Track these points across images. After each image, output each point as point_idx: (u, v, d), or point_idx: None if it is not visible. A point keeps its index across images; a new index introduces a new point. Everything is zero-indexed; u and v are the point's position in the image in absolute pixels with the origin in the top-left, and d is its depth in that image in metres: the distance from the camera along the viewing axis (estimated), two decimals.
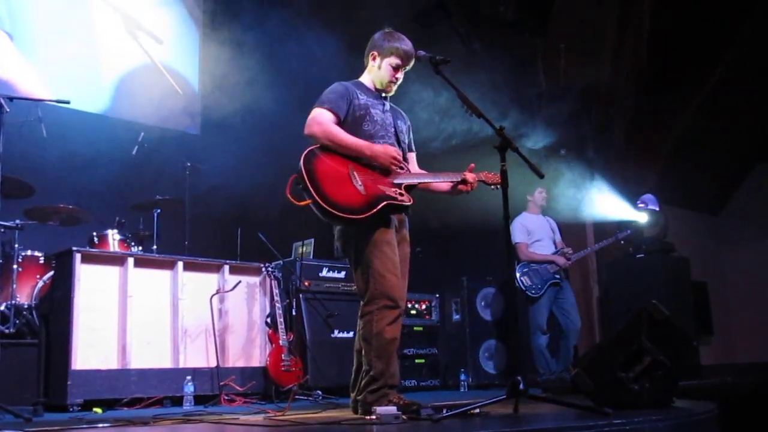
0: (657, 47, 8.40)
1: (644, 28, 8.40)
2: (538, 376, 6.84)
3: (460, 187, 4.01)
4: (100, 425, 3.72)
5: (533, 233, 7.21)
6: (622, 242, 7.57)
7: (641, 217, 7.81)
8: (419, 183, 3.98)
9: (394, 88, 4.06)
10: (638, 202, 7.89)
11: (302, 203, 3.64)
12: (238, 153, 7.49)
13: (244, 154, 7.45)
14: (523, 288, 7.00)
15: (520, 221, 7.24)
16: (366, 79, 4.09)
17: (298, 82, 7.48)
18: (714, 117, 9.20)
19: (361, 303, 3.81)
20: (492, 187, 4.04)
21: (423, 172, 4.18)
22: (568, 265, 7.17)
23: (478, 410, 3.40)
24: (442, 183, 4.05)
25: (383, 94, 4.07)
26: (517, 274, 7.03)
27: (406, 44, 3.97)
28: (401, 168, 3.86)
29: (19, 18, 7.10)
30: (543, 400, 3.93)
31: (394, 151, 3.84)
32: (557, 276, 7.07)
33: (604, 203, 7.79)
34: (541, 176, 3.62)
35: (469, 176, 3.98)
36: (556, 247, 7.22)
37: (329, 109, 3.84)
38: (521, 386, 3.30)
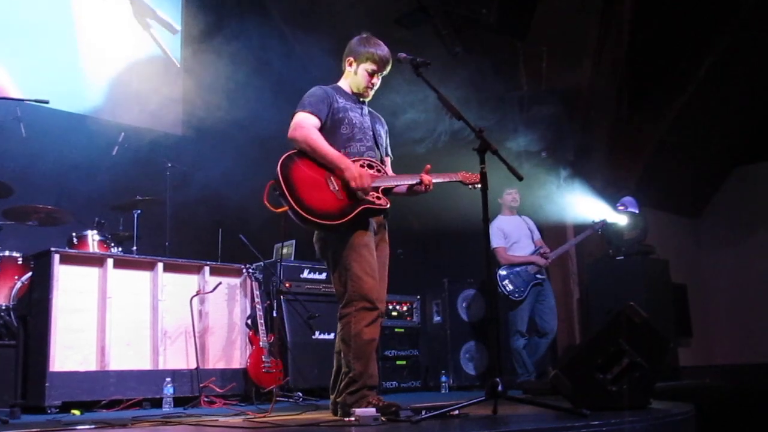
0: (638, 52, 8.46)
1: (625, 33, 8.45)
2: (516, 378, 6.87)
3: (416, 187, 4.00)
4: (79, 427, 3.70)
5: (510, 236, 7.23)
6: (600, 231, 7.58)
7: (621, 220, 7.86)
8: (396, 185, 3.98)
9: (371, 93, 4.08)
10: (618, 204, 7.93)
11: (279, 210, 3.65)
12: (219, 154, 7.47)
13: (225, 154, 7.43)
14: (506, 293, 7.02)
15: (496, 225, 7.24)
16: (344, 83, 4.10)
17: (279, 85, 7.47)
18: (693, 120, 9.27)
19: (340, 305, 3.82)
20: (470, 186, 4.04)
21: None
22: (547, 264, 7.20)
23: (457, 412, 3.41)
24: (402, 185, 4.04)
25: (361, 99, 4.08)
26: (499, 280, 7.05)
27: (383, 50, 3.99)
28: (363, 191, 3.78)
29: None
30: (521, 401, 3.95)
31: (366, 174, 3.78)
32: (539, 276, 7.11)
33: (585, 205, 7.83)
34: (521, 178, 3.63)
35: (425, 178, 3.97)
36: (535, 247, 7.24)
37: (312, 113, 3.85)
38: (500, 388, 3.31)
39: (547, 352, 7.20)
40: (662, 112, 9.26)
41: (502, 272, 7.11)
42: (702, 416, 3.85)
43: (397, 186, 4.00)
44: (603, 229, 7.56)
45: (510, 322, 7.07)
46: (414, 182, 3.97)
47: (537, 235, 7.41)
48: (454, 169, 4.12)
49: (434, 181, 4.00)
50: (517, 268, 7.11)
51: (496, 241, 7.17)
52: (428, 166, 4.00)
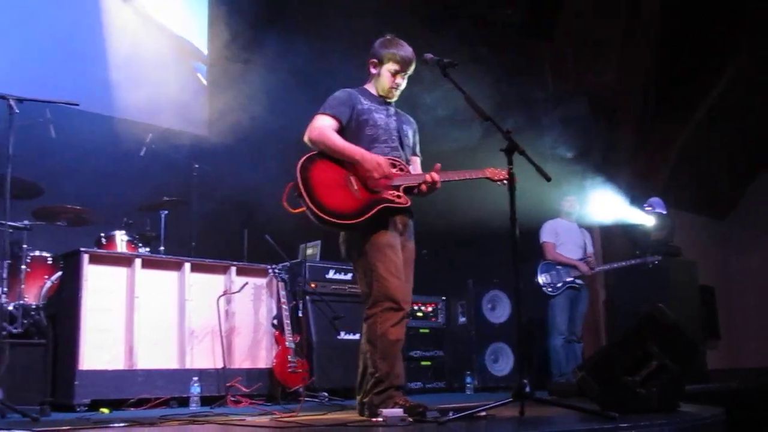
0: (664, 52, 8.40)
1: (651, 33, 8.40)
2: (552, 378, 6.85)
3: (421, 186, 3.93)
4: (109, 426, 3.74)
5: (560, 236, 7.32)
6: (650, 266, 7.49)
7: (648, 221, 7.80)
8: (418, 184, 3.95)
9: (396, 93, 4.08)
10: (645, 205, 7.88)
11: (297, 211, 3.69)
12: (245, 155, 7.51)
13: (251, 156, 7.47)
14: (541, 285, 7.09)
15: (551, 223, 7.42)
16: (369, 86, 4.13)
17: (306, 88, 7.49)
18: (721, 121, 9.19)
19: (365, 306, 3.83)
20: (498, 182, 3.99)
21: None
22: (589, 273, 7.21)
23: (484, 413, 3.41)
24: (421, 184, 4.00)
25: (387, 100, 4.09)
26: (538, 272, 7.16)
27: (405, 50, 4.00)
28: (385, 176, 3.81)
29: (28, 19, 7.13)
30: (549, 403, 3.93)
31: (382, 159, 3.82)
32: (577, 282, 7.13)
33: (611, 207, 7.78)
34: (549, 179, 3.62)
35: (433, 176, 3.89)
36: (584, 256, 7.26)
37: (330, 115, 3.89)
38: (527, 389, 3.30)
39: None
40: (689, 113, 9.19)
41: (544, 266, 7.20)
42: (732, 419, 3.82)
43: (417, 185, 3.97)
44: (655, 266, 7.48)
45: (549, 321, 7.09)
46: (420, 181, 3.93)
47: (591, 249, 7.47)
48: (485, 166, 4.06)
49: (458, 178, 3.96)
50: (559, 267, 7.16)
51: (546, 236, 7.35)
52: (438, 165, 3.95)
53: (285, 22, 7.93)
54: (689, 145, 9.29)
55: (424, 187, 3.93)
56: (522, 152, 3.58)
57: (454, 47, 8.09)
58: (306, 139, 3.87)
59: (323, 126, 3.85)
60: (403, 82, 4.06)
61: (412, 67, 4.04)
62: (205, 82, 8.42)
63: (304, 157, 3.78)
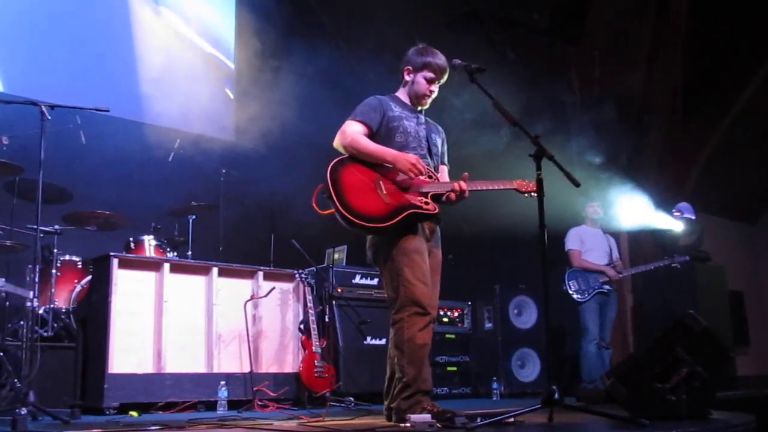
0: (693, 55, 8.33)
1: (680, 36, 8.32)
2: (582, 384, 6.80)
3: (448, 194, 3.91)
4: (139, 429, 3.77)
5: (585, 243, 7.27)
6: (679, 267, 7.42)
7: (677, 226, 7.72)
8: (446, 192, 3.94)
9: (429, 101, 4.09)
10: (674, 210, 7.81)
11: (326, 212, 3.72)
12: (272, 159, 7.55)
13: (278, 160, 7.51)
14: (570, 291, 7.06)
15: (576, 230, 7.36)
16: (401, 93, 4.13)
17: (334, 93, 7.52)
18: (750, 124, 9.09)
19: (392, 311, 3.83)
20: (525, 194, 3.97)
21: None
22: (617, 278, 7.16)
23: (512, 419, 3.39)
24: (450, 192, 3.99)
25: (418, 108, 4.10)
26: (566, 280, 7.11)
27: (440, 58, 4.01)
28: (420, 174, 3.83)
29: (58, 23, 7.24)
30: (578, 410, 3.90)
31: (414, 158, 3.83)
32: (605, 287, 7.09)
33: (639, 212, 7.72)
34: (577, 185, 3.60)
35: (461, 185, 3.86)
36: (610, 262, 7.23)
37: (360, 121, 3.91)
38: (556, 396, 3.28)
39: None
40: (718, 117, 9.10)
41: (571, 273, 7.16)
42: (762, 427, 3.77)
43: (446, 193, 3.96)
44: (683, 266, 7.40)
45: (581, 328, 7.05)
46: (449, 189, 3.92)
47: (616, 254, 7.41)
48: (513, 174, 4.06)
49: (486, 188, 3.95)
50: (585, 273, 7.14)
51: (571, 243, 7.29)
52: (465, 174, 3.94)
53: (311, 28, 7.97)
54: (718, 148, 9.19)
55: (452, 195, 3.92)
56: (551, 157, 3.56)
57: (481, 51, 8.10)
58: (336, 144, 3.90)
59: (354, 132, 3.87)
60: (436, 90, 4.07)
61: (446, 76, 4.05)
62: (232, 96, 8.49)
63: (335, 160, 3.80)
